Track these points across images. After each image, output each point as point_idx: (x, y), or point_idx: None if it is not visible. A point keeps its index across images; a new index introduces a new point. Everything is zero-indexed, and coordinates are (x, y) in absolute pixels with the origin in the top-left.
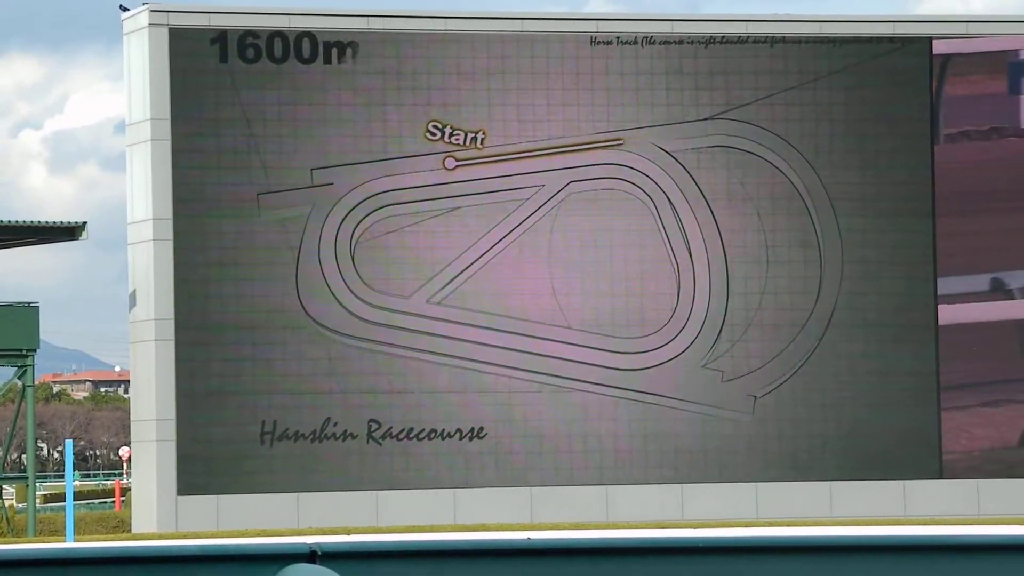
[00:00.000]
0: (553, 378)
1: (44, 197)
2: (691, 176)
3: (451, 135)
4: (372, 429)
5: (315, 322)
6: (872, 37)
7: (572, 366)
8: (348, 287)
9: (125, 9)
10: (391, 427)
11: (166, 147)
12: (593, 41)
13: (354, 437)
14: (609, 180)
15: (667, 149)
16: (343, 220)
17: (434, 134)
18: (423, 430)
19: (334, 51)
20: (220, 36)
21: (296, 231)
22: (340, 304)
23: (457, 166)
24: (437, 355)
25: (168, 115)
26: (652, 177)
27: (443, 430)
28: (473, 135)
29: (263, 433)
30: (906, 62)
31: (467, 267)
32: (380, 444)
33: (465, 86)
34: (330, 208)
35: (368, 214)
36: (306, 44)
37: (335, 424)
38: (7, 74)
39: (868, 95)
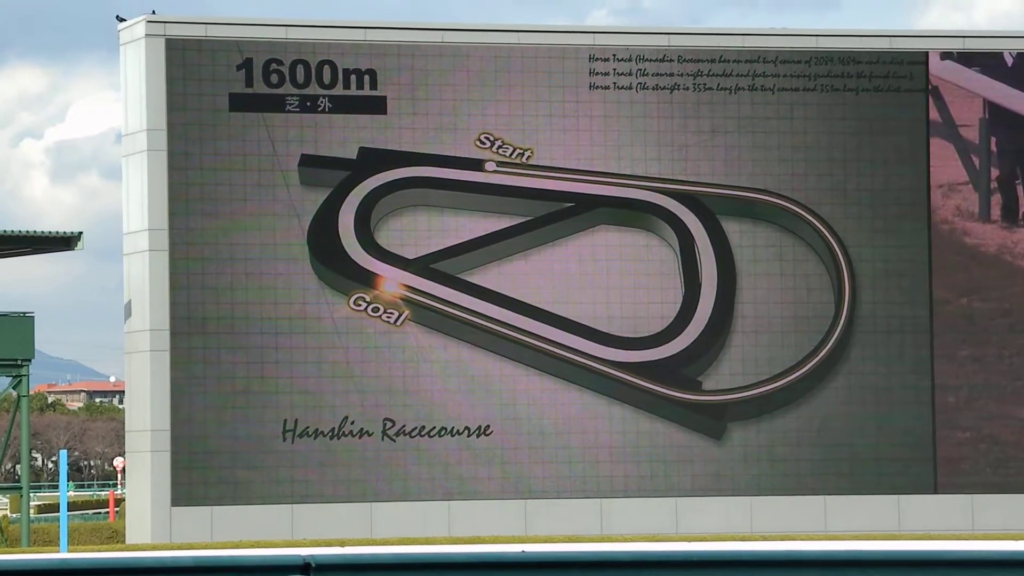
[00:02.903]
0: (554, 378)
1: (44, 206)
2: (720, 225)
3: (500, 147)
4: (387, 427)
5: (316, 330)
6: (869, 52)
7: (573, 369)
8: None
9: (122, 20)
10: (404, 425)
11: (162, 157)
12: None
13: (370, 435)
14: (638, 213)
15: (704, 202)
16: (364, 205)
17: (484, 144)
18: (434, 427)
19: (352, 77)
20: (246, 62)
21: (297, 232)
22: (350, 305)
23: (496, 171)
24: (441, 332)
25: (164, 126)
26: (682, 219)
27: (452, 428)
28: (521, 151)
29: (262, 439)
30: (903, 76)
31: (479, 251)
32: (394, 441)
33: (516, 100)
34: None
35: (394, 209)
36: (327, 71)
37: (352, 422)
38: (8, 83)
39: (864, 109)
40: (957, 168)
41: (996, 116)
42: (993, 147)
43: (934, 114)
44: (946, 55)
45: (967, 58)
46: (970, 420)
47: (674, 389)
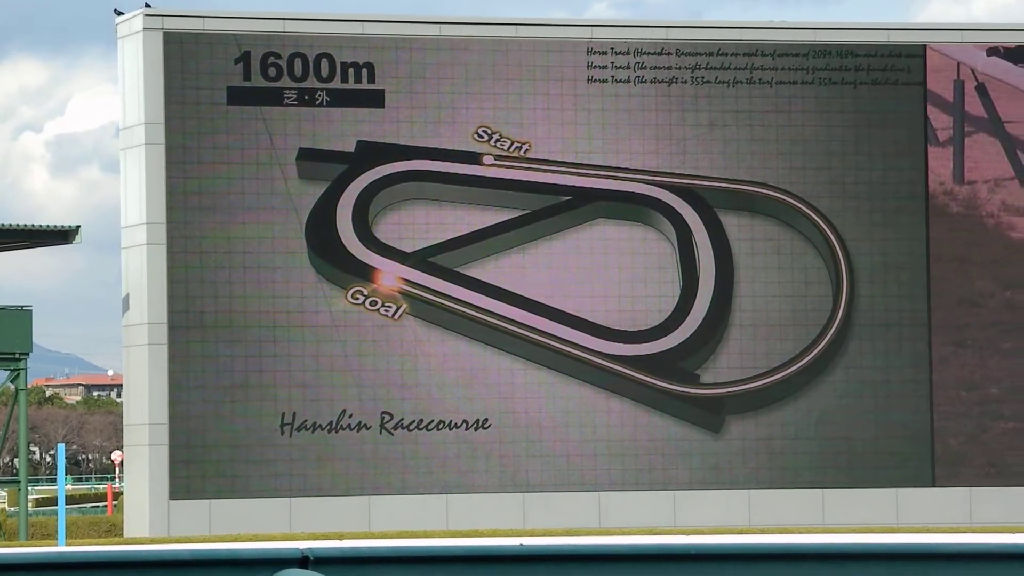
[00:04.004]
0: (552, 372)
1: (44, 200)
2: (718, 219)
3: (497, 141)
4: (385, 421)
5: (314, 323)
6: (866, 44)
7: (570, 362)
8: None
9: (120, 13)
10: (402, 418)
11: (160, 151)
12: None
13: (368, 428)
14: (636, 207)
15: (702, 195)
16: (361, 199)
17: (482, 137)
18: (432, 421)
19: (351, 70)
20: (244, 56)
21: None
22: (348, 299)
23: (494, 164)
24: (439, 326)
25: (162, 119)
26: (680, 212)
27: (450, 421)
28: (519, 145)
29: (260, 432)
30: (902, 70)
31: (477, 244)
32: (392, 434)
33: (513, 94)
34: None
35: (393, 201)
36: (325, 64)
37: (350, 416)
38: (9, 77)
39: (862, 102)
40: (1003, 164)
41: None
42: None
43: (980, 110)
44: (992, 51)
45: (1014, 55)
46: (968, 413)
47: (672, 382)
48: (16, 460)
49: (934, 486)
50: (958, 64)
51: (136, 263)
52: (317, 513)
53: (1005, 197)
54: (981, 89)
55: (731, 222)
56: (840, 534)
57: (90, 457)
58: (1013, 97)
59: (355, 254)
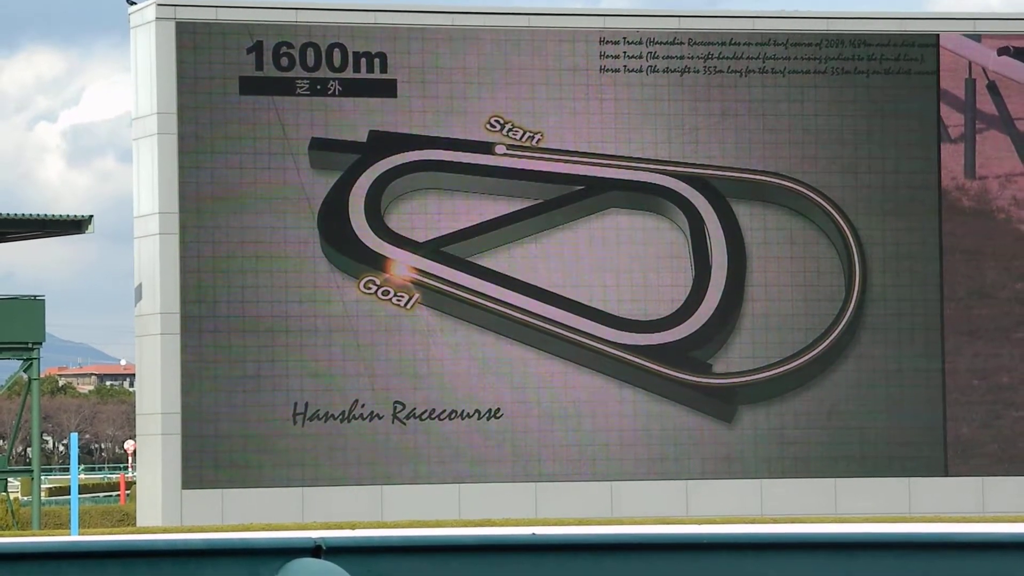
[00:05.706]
0: (564, 361)
1: (59, 190)
2: (729, 205)
3: (510, 131)
4: (397, 410)
5: (326, 313)
6: (880, 34)
7: (583, 352)
8: (369, 263)
9: (133, 3)
10: (415, 408)
11: (172, 141)
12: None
13: (380, 418)
14: (648, 196)
15: (714, 185)
16: (374, 187)
17: (494, 127)
18: (444, 410)
19: (363, 60)
20: (256, 45)
21: (308, 215)
22: (360, 288)
23: (506, 154)
24: (452, 316)
25: (175, 109)
26: (692, 201)
27: (463, 411)
28: (531, 135)
29: (272, 422)
30: (914, 59)
31: (489, 234)
32: (404, 424)
33: (526, 84)
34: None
35: (404, 189)
36: (337, 54)
37: (363, 406)
38: (24, 67)
39: (875, 92)
40: (1014, 160)
41: None
42: None
43: (991, 108)
44: (1003, 51)
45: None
46: (980, 403)
47: (684, 372)
48: (29, 449)
49: (946, 475)
50: (969, 63)
51: (149, 253)
52: (330, 503)
53: (1016, 192)
54: (992, 87)
55: (743, 212)
56: (852, 523)
57: (103, 446)
58: (1023, 95)
59: (367, 244)
